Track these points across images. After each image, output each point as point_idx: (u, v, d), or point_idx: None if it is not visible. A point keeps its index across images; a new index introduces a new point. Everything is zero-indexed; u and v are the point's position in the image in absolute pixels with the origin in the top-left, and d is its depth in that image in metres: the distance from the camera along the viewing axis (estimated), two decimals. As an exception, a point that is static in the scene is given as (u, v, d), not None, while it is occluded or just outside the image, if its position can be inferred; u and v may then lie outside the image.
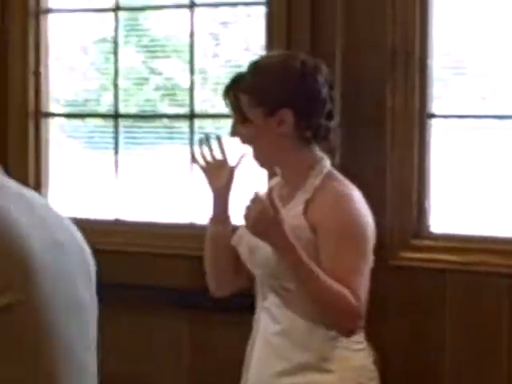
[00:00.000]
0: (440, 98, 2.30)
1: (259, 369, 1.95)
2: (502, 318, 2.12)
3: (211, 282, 1.93)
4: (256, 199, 1.66)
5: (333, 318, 1.79)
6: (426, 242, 2.17)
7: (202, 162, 1.89)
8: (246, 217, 1.70)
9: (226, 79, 2.07)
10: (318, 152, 1.85)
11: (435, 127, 2.24)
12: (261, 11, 2.34)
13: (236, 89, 1.85)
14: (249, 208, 1.68)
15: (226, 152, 1.91)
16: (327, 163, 1.85)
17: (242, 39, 2.43)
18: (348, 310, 1.73)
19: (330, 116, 1.85)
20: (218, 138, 1.92)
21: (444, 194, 2.30)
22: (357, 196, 1.81)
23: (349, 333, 1.80)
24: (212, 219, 1.88)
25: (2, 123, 2.56)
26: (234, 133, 1.84)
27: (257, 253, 1.79)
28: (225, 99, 1.90)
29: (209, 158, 1.88)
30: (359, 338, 1.87)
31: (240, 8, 2.54)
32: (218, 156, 1.88)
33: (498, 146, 2.29)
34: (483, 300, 2.16)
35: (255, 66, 1.84)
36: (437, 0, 2.23)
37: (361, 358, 1.89)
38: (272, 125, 1.76)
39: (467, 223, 2.28)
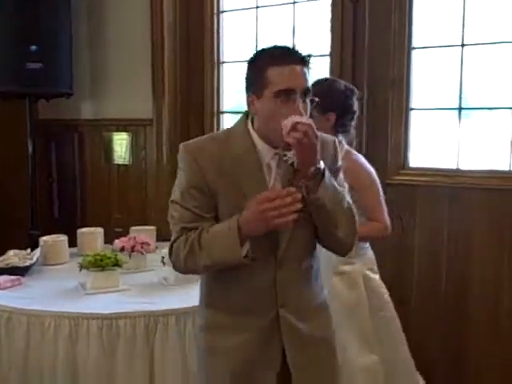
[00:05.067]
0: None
1: None
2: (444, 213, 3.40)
3: None
4: None
5: None
6: (407, 171, 3.51)
7: None
8: None
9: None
10: (342, 137, 2.71)
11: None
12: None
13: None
14: None
15: None
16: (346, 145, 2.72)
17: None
18: None
19: (352, 119, 2.76)
20: None
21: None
22: (360, 158, 2.78)
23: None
24: None
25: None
26: None
27: None
28: None
29: None
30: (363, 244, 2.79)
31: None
32: None
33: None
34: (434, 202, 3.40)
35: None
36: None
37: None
38: (322, 120, 2.58)
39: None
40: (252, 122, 1.91)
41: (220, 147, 1.89)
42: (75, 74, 4.29)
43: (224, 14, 4.24)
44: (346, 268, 2.78)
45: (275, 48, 1.87)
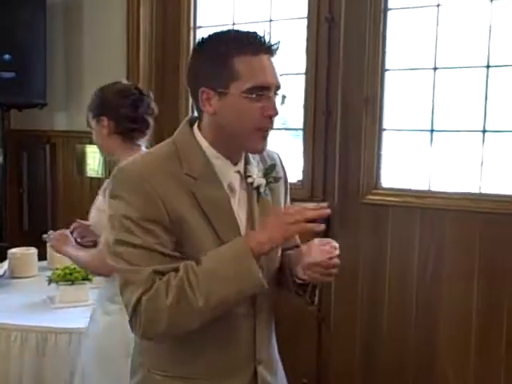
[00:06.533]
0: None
1: None
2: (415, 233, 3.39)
3: None
4: None
5: None
6: (379, 191, 3.49)
7: None
8: None
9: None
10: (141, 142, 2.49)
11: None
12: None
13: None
14: None
15: None
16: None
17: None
18: None
19: (135, 121, 2.43)
20: None
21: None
22: None
23: None
24: None
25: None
26: None
27: None
28: None
29: None
30: None
31: None
32: None
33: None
34: (406, 222, 3.41)
35: None
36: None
37: None
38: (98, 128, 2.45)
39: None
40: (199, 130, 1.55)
41: (175, 166, 1.50)
42: (49, 84, 4.26)
43: (200, 29, 4.24)
44: (114, 307, 2.34)
45: (238, 32, 1.54)
